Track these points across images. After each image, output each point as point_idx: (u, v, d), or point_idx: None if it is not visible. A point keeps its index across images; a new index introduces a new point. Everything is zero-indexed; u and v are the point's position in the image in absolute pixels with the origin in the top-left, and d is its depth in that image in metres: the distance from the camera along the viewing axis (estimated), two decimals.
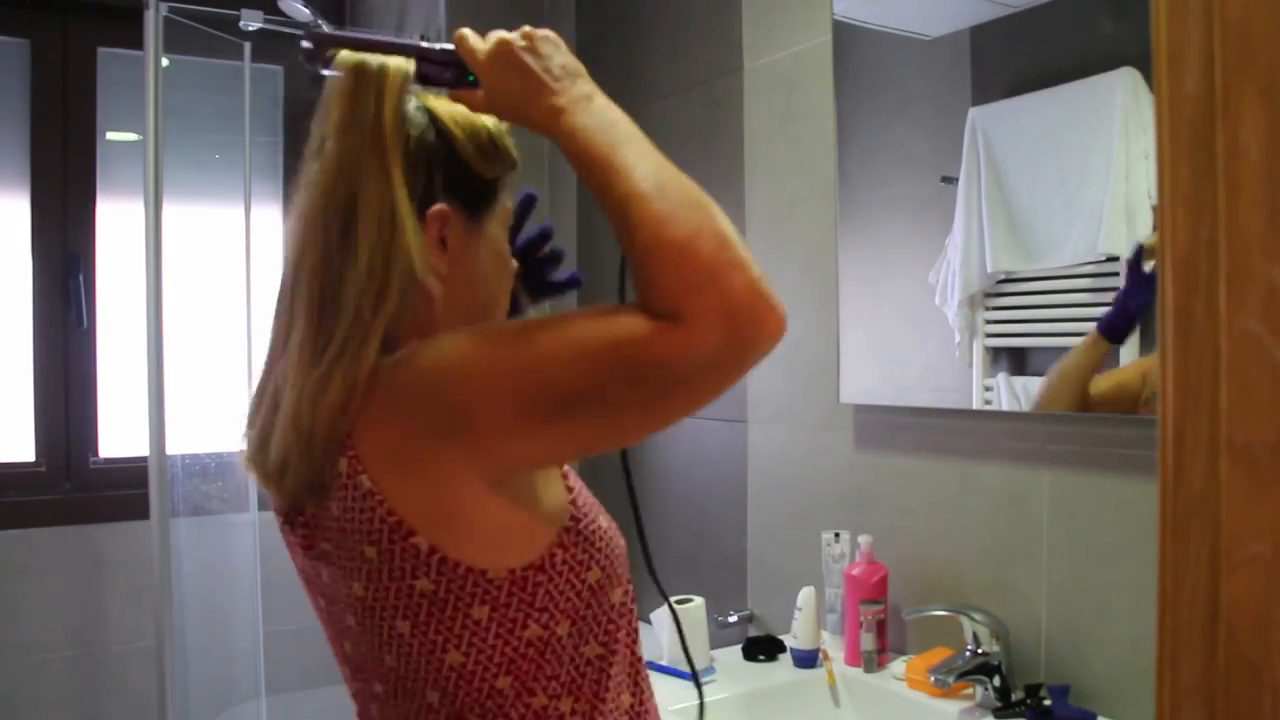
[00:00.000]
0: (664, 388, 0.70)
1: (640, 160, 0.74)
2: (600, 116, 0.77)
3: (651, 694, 0.92)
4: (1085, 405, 1.37)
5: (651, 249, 0.70)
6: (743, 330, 0.69)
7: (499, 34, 0.81)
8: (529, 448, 0.75)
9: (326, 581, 0.82)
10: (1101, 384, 1.36)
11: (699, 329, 0.68)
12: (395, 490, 0.75)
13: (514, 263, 0.92)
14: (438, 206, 0.82)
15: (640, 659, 0.91)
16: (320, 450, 0.76)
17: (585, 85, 0.79)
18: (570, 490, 0.86)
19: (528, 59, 0.79)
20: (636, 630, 0.91)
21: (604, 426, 0.75)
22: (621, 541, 0.89)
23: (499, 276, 0.89)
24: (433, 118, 0.84)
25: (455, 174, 0.83)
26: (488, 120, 0.86)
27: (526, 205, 1.02)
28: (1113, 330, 1.33)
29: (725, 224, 0.72)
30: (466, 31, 0.82)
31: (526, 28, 0.81)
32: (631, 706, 0.88)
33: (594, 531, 0.84)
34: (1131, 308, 1.31)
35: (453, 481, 0.75)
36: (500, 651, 0.79)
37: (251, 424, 0.84)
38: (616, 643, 0.86)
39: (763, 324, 0.70)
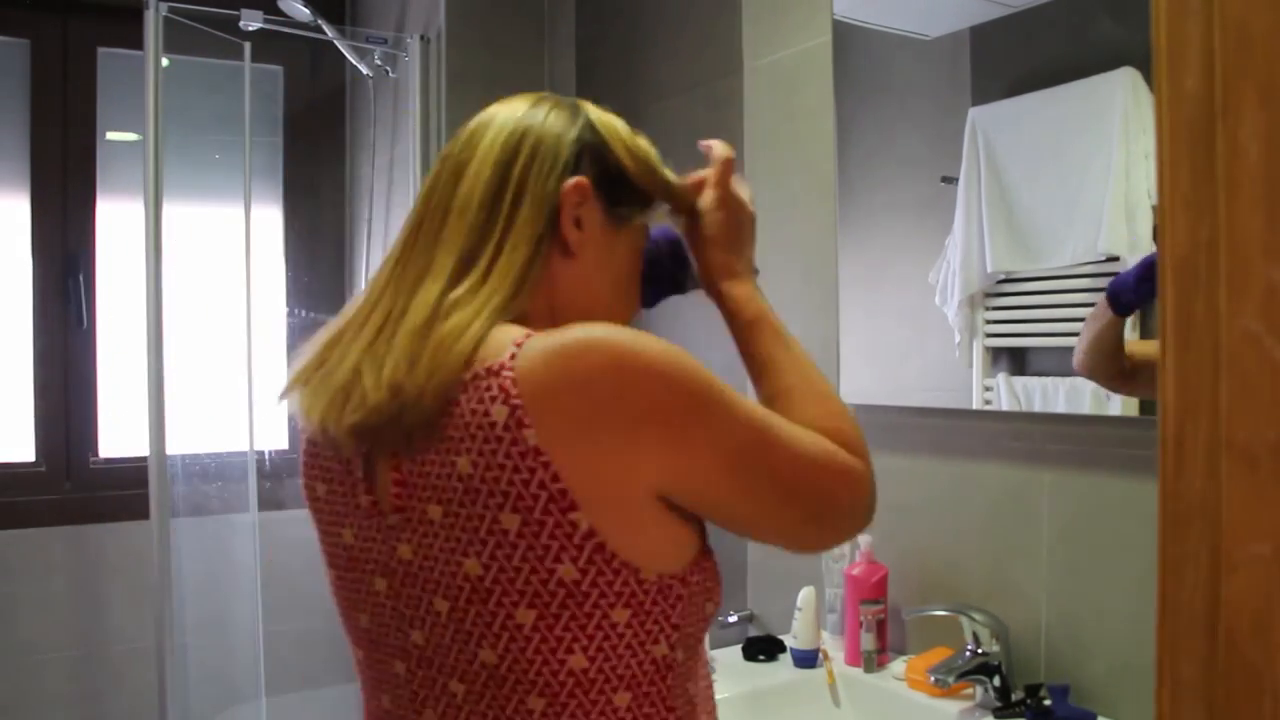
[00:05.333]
0: (833, 512, 0.82)
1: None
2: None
3: None
4: (1123, 370, 1.32)
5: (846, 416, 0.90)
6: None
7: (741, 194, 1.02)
8: (707, 495, 0.74)
9: (406, 557, 0.74)
10: (1142, 345, 1.30)
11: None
12: (567, 458, 0.68)
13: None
14: (576, 179, 0.79)
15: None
16: (445, 384, 0.70)
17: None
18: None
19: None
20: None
21: (763, 520, 0.79)
22: None
23: (629, 290, 0.87)
24: (589, 120, 0.83)
25: (604, 169, 0.82)
26: (645, 141, 0.88)
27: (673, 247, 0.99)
28: (1118, 303, 1.28)
29: None
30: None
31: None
32: None
33: (717, 564, 0.79)
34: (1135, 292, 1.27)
35: (636, 472, 0.70)
36: (627, 664, 0.72)
37: (307, 377, 0.79)
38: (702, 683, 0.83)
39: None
